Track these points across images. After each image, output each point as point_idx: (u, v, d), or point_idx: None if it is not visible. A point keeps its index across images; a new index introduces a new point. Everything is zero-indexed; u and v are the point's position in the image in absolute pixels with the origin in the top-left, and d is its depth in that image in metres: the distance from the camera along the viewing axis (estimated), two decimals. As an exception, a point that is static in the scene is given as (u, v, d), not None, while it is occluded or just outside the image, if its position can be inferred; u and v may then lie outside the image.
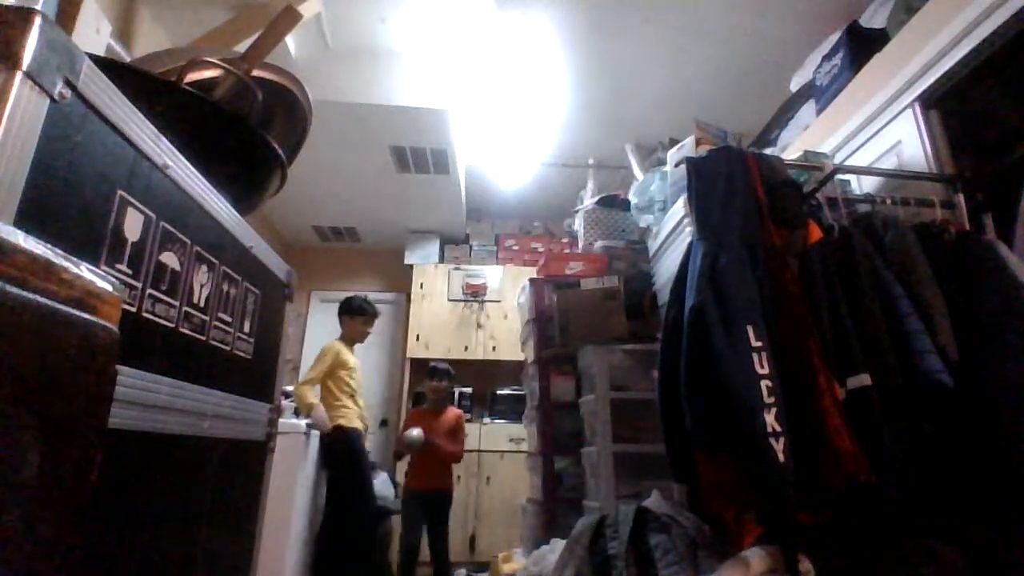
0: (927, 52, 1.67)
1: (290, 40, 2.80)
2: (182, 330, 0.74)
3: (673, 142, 2.23)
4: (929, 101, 1.71)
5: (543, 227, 5.14)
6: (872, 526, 1.20)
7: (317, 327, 4.86)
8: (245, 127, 1.03)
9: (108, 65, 0.68)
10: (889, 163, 1.81)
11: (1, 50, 0.45)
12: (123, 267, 0.62)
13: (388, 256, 5.11)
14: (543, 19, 2.80)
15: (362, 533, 3.22)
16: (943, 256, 1.35)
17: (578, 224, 3.13)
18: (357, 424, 3.30)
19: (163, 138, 0.69)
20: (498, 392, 4.56)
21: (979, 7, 1.50)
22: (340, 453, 3.22)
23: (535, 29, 2.86)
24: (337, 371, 3.30)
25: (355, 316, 3.50)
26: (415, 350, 4.57)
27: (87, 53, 0.55)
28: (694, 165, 1.50)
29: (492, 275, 4.80)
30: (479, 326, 4.68)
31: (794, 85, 2.74)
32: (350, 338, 3.49)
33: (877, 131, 1.87)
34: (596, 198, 3.11)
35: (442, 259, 4.92)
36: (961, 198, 1.55)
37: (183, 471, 0.78)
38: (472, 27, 2.87)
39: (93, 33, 1.89)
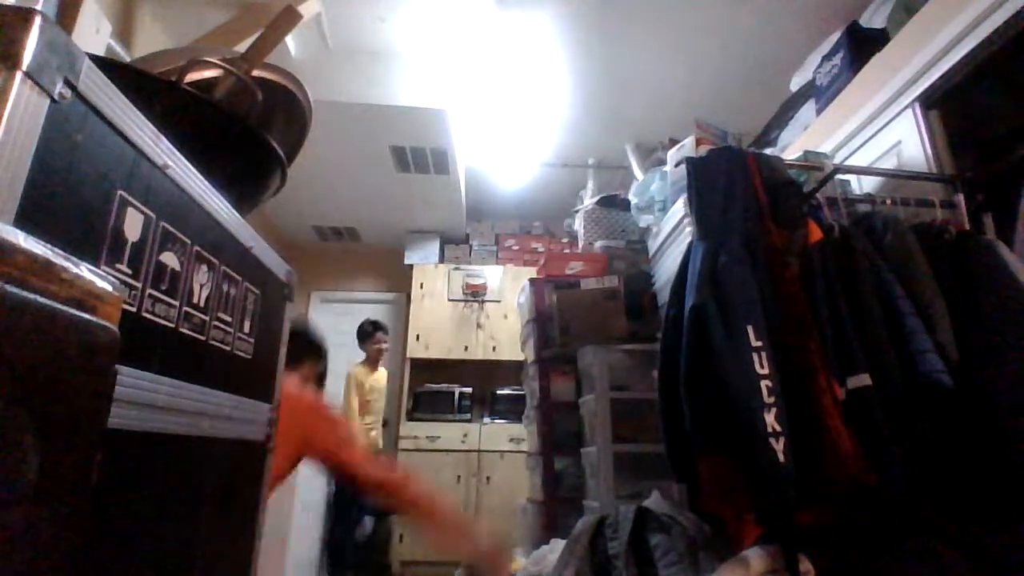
0: (927, 52, 1.67)
1: (290, 40, 2.80)
2: (182, 330, 0.74)
3: (673, 142, 2.23)
4: (929, 101, 1.71)
5: (543, 227, 5.14)
6: (872, 526, 1.20)
7: (317, 327, 4.87)
8: (245, 127, 1.03)
9: (108, 65, 0.68)
10: (889, 163, 1.81)
11: (1, 50, 0.45)
12: (123, 267, 0.62)
13: (388, 256, 5.10)
14: (543, 19, 2.80)
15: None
16: (943, 256, 1.35)
17: (578, 224, 3.13)
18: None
19: (163, 138, 0.69)
20: (498, 392, 4.56)
21: (979, 7, 1.50)
22: None
23: (535, 29, 2.86)
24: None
25: (365, 341, 3.86)
26: (415, 350, 4.57)
27: (87, 53, 0.55)
28: (694, 165, 1.50)
29: (492, 275, 4.80)
30: (479, 326, 4.68)
31: (794, 85, 2.74)
32: (372, 360, 3.88)
33: (877, 131, 1.87)
34: (596, 198, 3.11)
35: (442, 259, 4.91)
36: (961, 198, 1.55)
37: (183, 471, 0.77)
38: (472, 27, 2.86)
39: (93, 33, 1.89)
